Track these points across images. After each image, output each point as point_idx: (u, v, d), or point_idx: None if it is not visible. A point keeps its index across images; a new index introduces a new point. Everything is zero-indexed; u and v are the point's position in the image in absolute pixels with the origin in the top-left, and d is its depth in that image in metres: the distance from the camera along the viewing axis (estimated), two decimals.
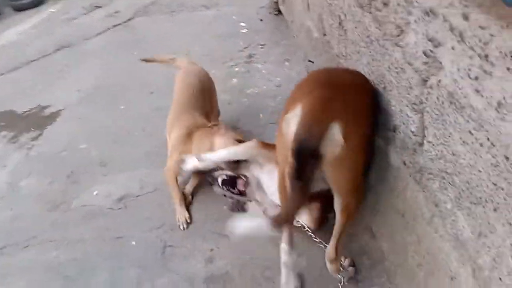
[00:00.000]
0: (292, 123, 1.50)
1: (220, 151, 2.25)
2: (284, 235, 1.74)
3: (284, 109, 1.67)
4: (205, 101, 2.76)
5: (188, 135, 2.51)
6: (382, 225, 1.98)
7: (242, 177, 2.25)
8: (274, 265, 2.05)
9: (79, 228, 2.51)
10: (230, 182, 2.26)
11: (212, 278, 2.06)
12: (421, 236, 1.58)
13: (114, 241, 2.38)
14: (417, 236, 1.62)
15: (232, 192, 2.26)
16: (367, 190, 2.04)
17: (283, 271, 1.74)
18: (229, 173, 2.27)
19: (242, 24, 4.69)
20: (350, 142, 1.48)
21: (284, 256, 1.74)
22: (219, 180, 2.29)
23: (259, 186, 2.22)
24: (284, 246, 1.74)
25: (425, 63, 1.32)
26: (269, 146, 2.10)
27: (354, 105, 1.58)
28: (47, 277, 2.25)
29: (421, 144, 1.47)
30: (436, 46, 1.23)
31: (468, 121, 1.13)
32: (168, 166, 2.51)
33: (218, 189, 2.33)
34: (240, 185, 2.24)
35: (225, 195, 2.32)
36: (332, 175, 1.61)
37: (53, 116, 3.71)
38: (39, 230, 2.55)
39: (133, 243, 2.34)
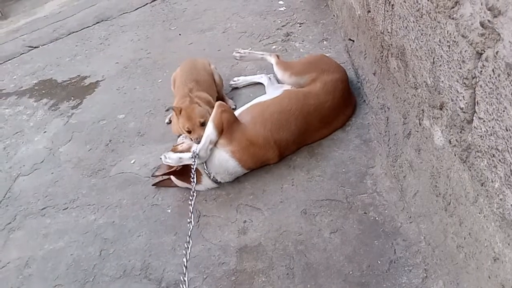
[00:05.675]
0: None
1: None
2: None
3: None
4: None
5: None
6: (420, 207, 1.94)
7: None
8: (307, 239, 2.07)
9: (116, 194, 2.57)
10: None
11: (245, 248, 2.08)
12: (463, 217, 1.54)
13: (151, 208, 2.43)
14: (459, 217, 1.57)
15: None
16: (407, 173, 2.00)
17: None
18: None
19: (281, 2, 4.62)
20: None
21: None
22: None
23: None
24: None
25: (482, 34, 1.26)
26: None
27: None
28: (86, 239, 2.33)
29: (470, 121, 1.41)
30: (495, 16, 1.17)
31: None
32: None
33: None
34: None
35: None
36: None
37: (92, 87, 3.79)
38: (78, 194, 2.64)
39: (169, 211, 2.38)
